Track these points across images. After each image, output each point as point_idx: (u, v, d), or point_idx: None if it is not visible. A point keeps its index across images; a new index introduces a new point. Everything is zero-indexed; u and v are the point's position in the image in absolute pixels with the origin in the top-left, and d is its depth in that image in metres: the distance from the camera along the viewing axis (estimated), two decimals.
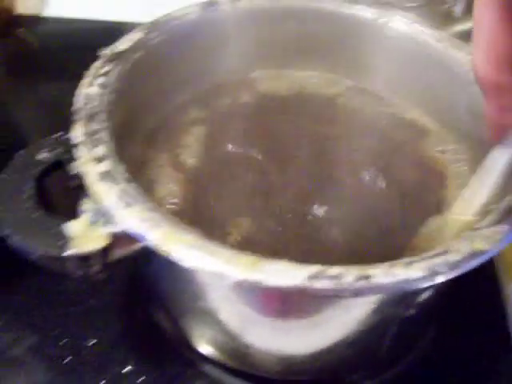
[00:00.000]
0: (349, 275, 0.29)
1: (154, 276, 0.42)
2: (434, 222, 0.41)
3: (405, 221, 0.42)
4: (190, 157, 0.47)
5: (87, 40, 0.80)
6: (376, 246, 0.41)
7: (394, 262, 0.30)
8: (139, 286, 0.51)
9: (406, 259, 0.31)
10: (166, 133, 0.48)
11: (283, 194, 0.42)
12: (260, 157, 0.45)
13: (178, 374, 0.46)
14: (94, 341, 0.48)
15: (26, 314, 0.50)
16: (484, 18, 0.29)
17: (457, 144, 0.48)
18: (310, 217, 0.41)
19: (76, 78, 0.64)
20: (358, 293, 0.29)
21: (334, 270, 0.29)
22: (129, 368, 0.46)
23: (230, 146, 0.46)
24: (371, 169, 0.45)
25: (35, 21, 0.84)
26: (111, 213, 0.33)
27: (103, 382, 0.46)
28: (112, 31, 0.82)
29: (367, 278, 0.29)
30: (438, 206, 0.43)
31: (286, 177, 0.44)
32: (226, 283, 0.29)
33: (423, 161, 0.48)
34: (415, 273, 0.30)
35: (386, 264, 0.30)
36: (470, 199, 0.37)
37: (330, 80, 0.54)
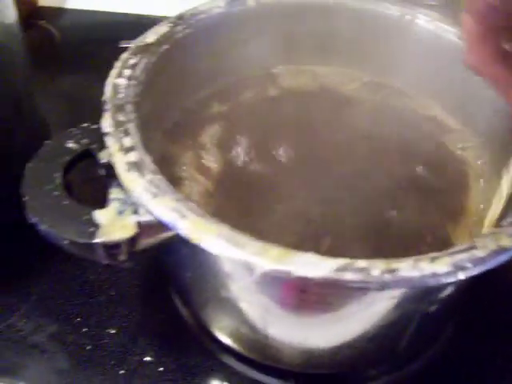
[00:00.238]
0: (376, 268, 0.29)
1: (177, 266, 0.43)
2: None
3: (427, 217, 0.42)
4: (212, 152, 0.47)
5: (109, 33, 0.80)
6: (396, 242, 0.41)
7: (420, 256, 0.31)
8: (160, 276, 0.52)
9: (432, 254, 0.31)
10: (189, 126, 0.49)
11: (307, 189, 0.42)
12: (283, 152, 0.45)
13: (197, 365, 0.46)
14: (115, 330, 0.48)
15: (48, 302, 0.50)
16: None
17: (478, 141, 0.48)
18: (335, 212, 0.41)
19: (97, 70, 0.64)
20: (384, 286, 0.30)
21: (361, 263, 0.30)
22: (149, 357, 0.47)
23: (252, 141, 0.47)
24: (392, 164, 0.45)
25: (57, 13, 0.85)
26: (139, 203, 0.34)
27: (123, 371, 0.46)
28: (134, 24, 0.84)
29: (394, 271, 0.30)
30: (461, 205, 0.43)
31: (310, 172, 0.44)
32: (254, 273, 0.30)
33: (445, 158, 0.48)
34: (441, 268, 0.30)
35: (412, 258, 0.31)
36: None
37: (351, 76, 0.54)
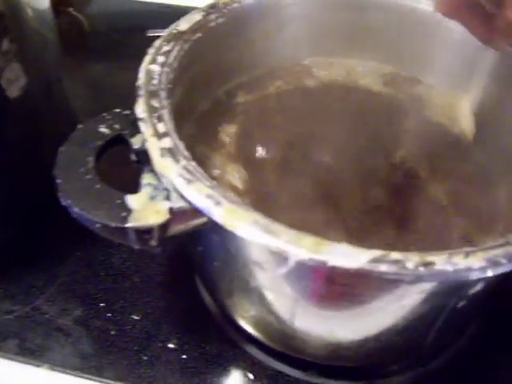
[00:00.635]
0: (410, 261, 0.29)
1: (204, 254, 0.43)
2: None
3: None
4: (240, 142, 0.47)
5: (136, 21, 0.81)
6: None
7: (454, 250, 0.31)
8: (184, 263, 0.52)
9: (466, 249, 0.31)
10: (218, 116, 0.49)
11: (338, 181, 0.42)
12: (316, 143, 0.45)
13: (220, 354, 0.47)
14: (139, 316, 0.49)
15: (73, 286, 0.51)
16: None
17: None
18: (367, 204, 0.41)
19: (124, 58, 0.64)
20: (418, 278, 0.29)
21: (396, 255, 0.29)
22: (172, 345, 0.47)
23: (282, 132, 0.47)
24: (422, 158, 0.45)
25: (85, 1, 0.85)
26: (173, 189, 0.34)
27: (146, 357, 0.46)
28: (160, 13, 0.84)
29: (429, 264, 0.29)
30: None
31: (340, 163, 0.44)
32: (288, 262, 0.30)
33: None
34: (476, 262, 0.30)
35: (446, 252, 0.30)
36: None
37: (382, 70, 0.54)
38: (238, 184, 0.43)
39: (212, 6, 0.47)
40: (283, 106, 0.49)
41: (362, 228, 0.40)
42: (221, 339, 0.47)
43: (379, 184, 0.43)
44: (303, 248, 0.29)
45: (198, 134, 0.47)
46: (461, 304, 0.38)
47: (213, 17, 0.46)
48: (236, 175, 0.44)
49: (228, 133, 0.48)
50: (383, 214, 0.42)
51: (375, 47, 0.54)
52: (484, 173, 0.46)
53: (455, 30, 0.48)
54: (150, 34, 0.76)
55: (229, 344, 0.47)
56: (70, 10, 0.80)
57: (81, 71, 0.74)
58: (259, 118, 0.49)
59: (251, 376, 0.46)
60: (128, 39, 0.76)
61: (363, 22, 0.52)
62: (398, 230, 0.42)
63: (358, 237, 0.38)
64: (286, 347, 0.44)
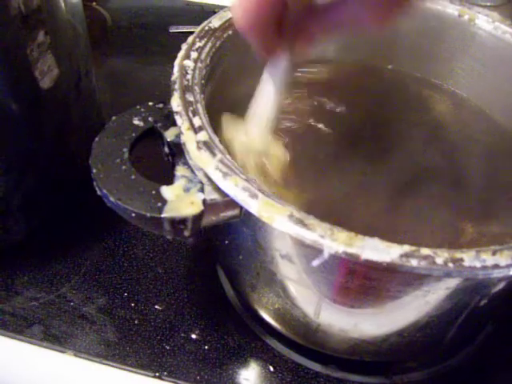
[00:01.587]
0: (440, 257, 0.30)
1: (228, 247, 0.44)
2: None
3: None
4: None
5: (158, 17, 0.82)
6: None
7: (481, 248, 0.31)
8: (207, 256, 0.53)
9: (493, 247, 0.32)
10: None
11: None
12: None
13: (241, 345, 0.48)
14: (162, 307, 0.50)
15: (97, 275, 0.52)
16: None
17: None
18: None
19: (146, 53, 0.65)
20: (448, 274, 0.30)
21: (426, 251, 0.30)
22: (194, 335, 0.48)
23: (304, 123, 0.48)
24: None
25: None
26: (208, 181, 0.35)
27: (169, 346, 0.47)
28: (182, 10, 0.85)
29: (458, 260, 0.30)
30: None
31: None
32: (322, 255, 0.30)
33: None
34: (503, 260, 0.31)
35: (473, 250, 0.31)
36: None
37: (404, 74, 0.55)
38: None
39: None
40: (308, 104, 0.50)
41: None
42: (242, 331, 0.48)
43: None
44: (337, 241, 0.30)
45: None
46: (483, 302, 0.39)
47: None
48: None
49: None
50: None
51: (400, 53, 0.54)
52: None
53: (482, 36, 0.49)
54: (173, 30, 0.77)
55: (250, 336, 0.48)
56: (93, 4, 0.81)
57: (103, 66, 0.75)
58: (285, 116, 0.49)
59: (271, 368, 0.47)
60: (150, 35, 0.77)
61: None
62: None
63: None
64: (308, 341, 0.45)
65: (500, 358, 0.49)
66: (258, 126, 0.39)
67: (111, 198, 0.36)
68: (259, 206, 0.32)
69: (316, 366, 0.47)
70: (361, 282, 0.35)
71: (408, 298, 0.36)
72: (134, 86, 0.71)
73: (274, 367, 0.47)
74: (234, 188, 0.33)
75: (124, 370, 0.46)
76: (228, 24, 0.46)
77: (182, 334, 0.48)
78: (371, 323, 0.39)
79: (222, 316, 0.49)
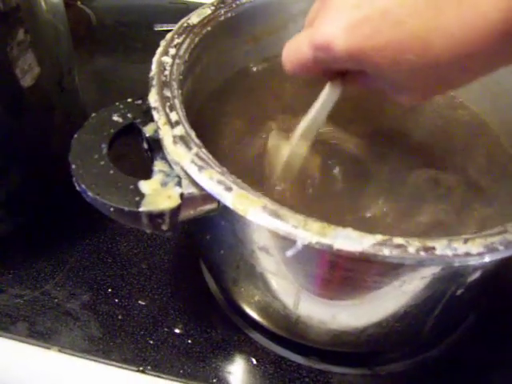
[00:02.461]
0: (412, 246, 0.31)
1: (210, 242, 0.44)
2: None
3: None
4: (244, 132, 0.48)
5: (142, 16, 0.82)
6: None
7: (453, 237, 0.32)
8: (190, 251, 0.53)
9: (465, 236, 0.32)
10: (221, 105, 0.50)
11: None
12: None
13: (224, 339, 0.48)
14: (145, 302, 0.50)
15: (81, 272, 0.52)
16: None
17: None
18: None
19: (130, 51, 0.65)
20: (420, 263, 0.31)
21: (398, 240, 0.31)
22: (178, 330, 0.48)
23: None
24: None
25: None
26: (185, 175, 0.35)
27: (152, 341, 0.48)
28: (166, 8, 0.85)
29: (429, 249, 0.31)
30: None
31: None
32: (296, 246, 0.31)
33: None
34: (474, 248, 0.31)
35: (445, 238, 0.32)
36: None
37: None
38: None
39: (222, 1, 0.48)
40: (287, 99, 0.50)
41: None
42: (225, 325, 0.49)
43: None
44: (310, 232, 0.30)
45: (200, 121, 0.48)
46: (459, 292, 0.39)
47: (222, 11, 0.47)
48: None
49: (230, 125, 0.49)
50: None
51: None
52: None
53: None
54: (158, 28, 0.77)
55: (233, 330, 0.49)
56: (78, 3, 0.81)
57: (88, 64, 0.75)
58: (262, 108, 0.49)
59: (254, 361, 0.47)
60: (135, 33, 0.78)
61: None
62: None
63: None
64: (289, 333, 0.45)
65: (481, 349, 0.50)
66: (302, 135, 0.40)
67: (90, 193, 0.36)
68: (233, 199, 0.32)
69: (298, 358, 0.47)
70: (337, 273, 0.35)
71: (385, 289, 0.36)
72: (118, 83, 0.72)
73: (257, 360, 0.47)
74: (209, 181, 0.33)
75: (108, 364, 0.46)
76: (207, 20, 0.46)
77: (166, 329, 0.48)
78: (349, 314, 0.40)
79: (206, 310, 0.50)
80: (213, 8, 0.47)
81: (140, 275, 0.52)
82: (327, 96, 0.38)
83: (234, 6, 0.48)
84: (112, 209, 0.35)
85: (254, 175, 0.42)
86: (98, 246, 0.54)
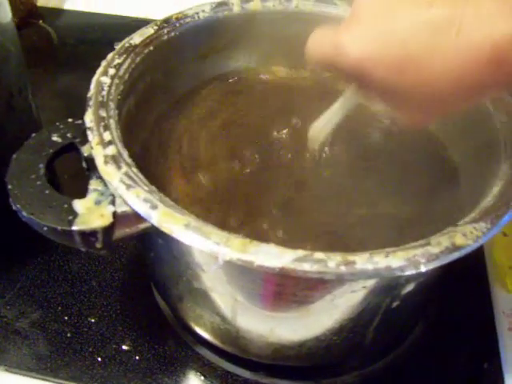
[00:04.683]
0: (333, 260, 0.31)
1: (155, 259, 0.45)
2: None
3: None
4: (192, 150, 0.49)
5: (104, 34, 0.83)
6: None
7: (376, 250, 0.32)
8: (140, 269, 0.54)
9: (388, 249, 0.33)
10: (169, 123, 0.50)
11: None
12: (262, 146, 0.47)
13: (173, 355, 0.48)
14: (95, 319, 0.50)
15: (31, 290, 0.52)
16: None
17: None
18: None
19: (92, 69, 0.66)
20: (340, 277, 0.31)
21: (319, 255, 0.31)
22: (126, 346, 0.49)
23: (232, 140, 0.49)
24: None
25: (55, 13, 0.87)
26: (116, 194, 0.36)
27: (100, 358, 0.48)
28: (129, 26, 0.86)
29: (350, 263, 0.31)
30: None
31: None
32: (218, 262, 0.31)
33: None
34: (396, 261, 0.32)
35: (368, 252, 0.32)
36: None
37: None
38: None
39: (165, 21, 0.49)
40: (234, 113, 0.51)
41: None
42: (174, 341, 0.49)
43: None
44: (231, 248, 0.31)
45: (150, 142, 0.49)
46: (395, 304, 0.40)
47: (165, 31, 0.48)
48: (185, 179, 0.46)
49: (178, 140, 0.49)
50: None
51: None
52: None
53: None
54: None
55: (182, 346, 0.49)
56: (39, 22, 0.81)
57: (49, 82, 0.76)
58: (210, 127, 0.50)
59: (202, 377, 0.47)
60: (96, 51, 0.78)
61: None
62: None
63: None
64: (233, 347, 0.46)
65: (428, 360, 0.50)
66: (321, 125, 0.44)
67: (24, 213, 0.36)
68: (159, 217, 0.33)
69: (245, 373, 0.47)
70: (267, 287, 0.36)
71: (317, 303, 0.37)
72: (79, 102, 0.72)
73: (205, 376, 0.47)
74: (136, 199, 0.33)
75: (55, 382, 0.47)
76: (149, 40, 0.47)
77: (114, 346, 0.49)
78: (286, 327, 0.40)
79: (155, 327, 0.50)
80: (156, 27, 0.48)
81: (90, 292, 0.52)
82: (346, 99, 0.41)
83: (177, 25, 0.49)
84: (46, 228, 0.36)
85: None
86: (49, 264, 0.54)
